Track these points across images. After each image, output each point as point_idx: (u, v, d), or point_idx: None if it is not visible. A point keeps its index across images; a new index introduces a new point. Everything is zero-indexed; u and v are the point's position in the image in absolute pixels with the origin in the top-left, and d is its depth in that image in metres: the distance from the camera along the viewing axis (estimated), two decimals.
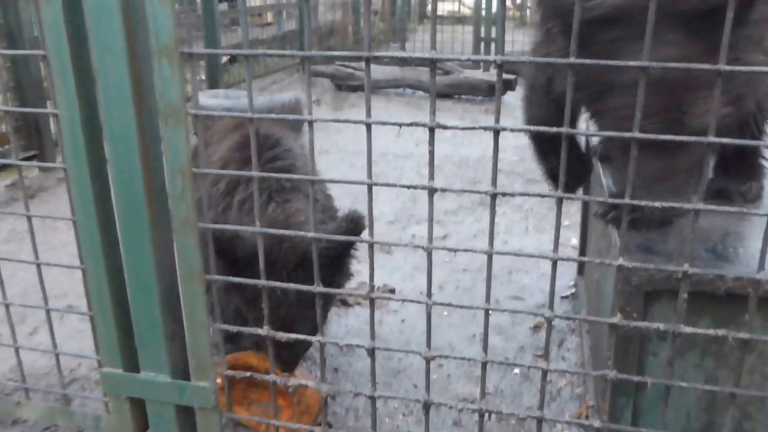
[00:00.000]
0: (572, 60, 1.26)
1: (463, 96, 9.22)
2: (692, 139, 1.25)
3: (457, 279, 3.73)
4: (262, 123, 2.60)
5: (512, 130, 1.34)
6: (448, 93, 9.13)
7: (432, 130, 1.38)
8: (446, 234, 4.43)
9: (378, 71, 9.36)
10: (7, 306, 2.22)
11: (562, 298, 3.44)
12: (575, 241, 3.93)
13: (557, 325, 3.16)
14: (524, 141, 7.04)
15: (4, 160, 2.09)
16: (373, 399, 1.77)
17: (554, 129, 1.33)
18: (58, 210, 4.63)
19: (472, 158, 6.26)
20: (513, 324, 3.22)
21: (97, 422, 2.20)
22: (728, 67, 1.20)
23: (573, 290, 3.47)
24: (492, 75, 9.18)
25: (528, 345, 3.05)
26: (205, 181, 2.44)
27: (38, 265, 2.12)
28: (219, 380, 2.00)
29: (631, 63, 1.24)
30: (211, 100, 6.63)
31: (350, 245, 2.28)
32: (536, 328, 3.17)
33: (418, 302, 1.59)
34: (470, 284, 3.67)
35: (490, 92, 8.94)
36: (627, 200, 1.34)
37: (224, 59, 9.56)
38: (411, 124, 1.39)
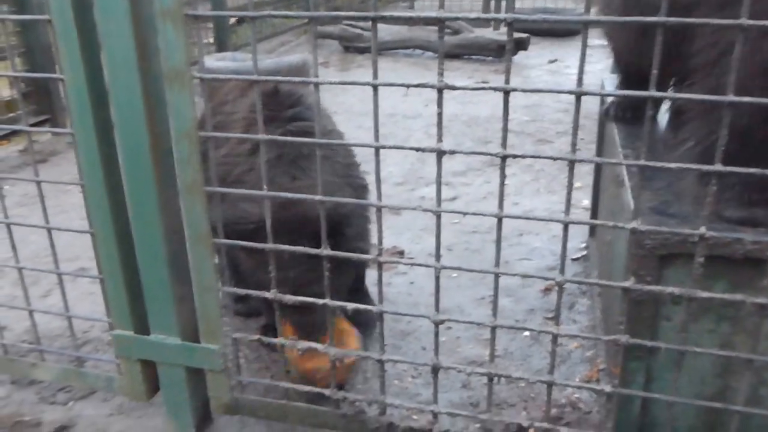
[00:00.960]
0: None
1: (472, 56, 9.11)
2: (711, 98, 1.21)
3: (466, 241, 3.71)
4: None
5: (523, 91, 1.31)
6: (457, 53, 9.01)
7: (440, 91, 1.35)
8: (455, 195, 4.40)
9: (386, 31, 9.24)
10: (19, 269, 2.23)
11: (573, 260, 3.42)
12: (587, 202, 3.90)
13: (568, 287, 3.14)
14: (536, 101, 6.96)
15: (14, 126, 2.07)
16: (381, 362, 1.77)
17: (568, 90, 1.30)
18: (69, 173, 4.63)
19: (482, 117, 6.20)
20: (523, 286, 3.20)
21: (109, 383, 2.22)
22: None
23: (584, 252, 3.45)
24: (502, 34, 9.05)
25: (538, 307, 3.04)
26: (230, 139, 2.39)
27: (48, 230, 2.12)
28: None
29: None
30: (218, 62, 6.57)
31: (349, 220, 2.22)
32: (546, 290, 3.16)
33: (427, 266, 1.58)
34: (479, 246, 3.66)
35: (500, 52, 8.82)
36: (642, 162, 1.31)
37: (232, 21, 9.46)
38: (418, 85, 1.36)
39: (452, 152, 1.39)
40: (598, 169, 3.31)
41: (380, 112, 1.47)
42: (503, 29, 9.50)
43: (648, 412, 1.83)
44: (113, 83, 1.75)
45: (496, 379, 1.69)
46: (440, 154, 1.41)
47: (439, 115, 1.36)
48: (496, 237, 1.49)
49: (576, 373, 2.57)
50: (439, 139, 1.39)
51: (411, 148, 1.44)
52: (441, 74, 1.32)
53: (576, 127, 1.31)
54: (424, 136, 5.67)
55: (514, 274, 1.59)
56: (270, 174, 2.12)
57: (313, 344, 1.85)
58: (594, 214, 3.37)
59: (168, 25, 1.61)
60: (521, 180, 4.68)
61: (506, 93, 1.30)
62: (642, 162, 1.31)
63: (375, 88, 1.42)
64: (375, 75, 1.40)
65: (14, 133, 5.42)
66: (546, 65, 8.80)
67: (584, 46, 1.27)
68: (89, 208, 1.96)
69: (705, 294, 1.40)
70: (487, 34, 9.13)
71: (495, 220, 1.47)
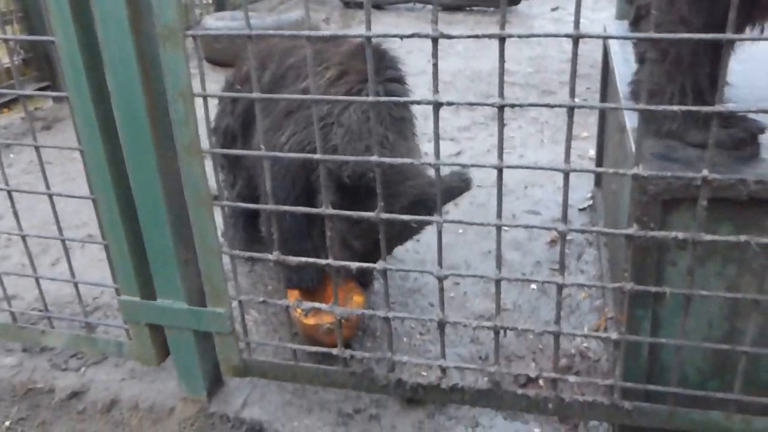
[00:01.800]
0: None
1: (475, 8, 8.97)
2: (709, 37, 1.18)
3: (472, 195, 3.68)
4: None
5: (519, 37, 1.27)
6: (459, 5, 8.88)
7: (435, 41, 1.32)
8: (460, 150, 4.37)
9: None
10: (23, 237, 2.23)
11: (580, 210, 3.40)
12: (593, 152, 3.86)
13: (575, 238, 3.13)
14: (540, 52, 6.83)
15: (9, 91, 2.03)
16: (387, 320, 1.77)
17: (565, 34, 1.26)
18: (73, 140, 4.60)
19: (485, 72, 6.13)
20: (530, 239, 3.19)
21: (119, 348, 2.24)
22: None
23: (590, 202, 3.43)
24: None
25: (545, 259, 3.03)
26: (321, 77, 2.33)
27: (50, 196, 2.12)
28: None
29: None
30: (218, 22, 6.51)
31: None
32: (553, 242, 3.15)
33: (429, 220, 1.56)
34: (485, 200, 3.63)
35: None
36: (641, 106, 1.29)
37: None
38: (412, 36, 1.33)
39: (449, 103, 1.37)
40: (603, 118, 3.26)
41: None
42: None
43: (656, 358, 1.82)
44: (106, 43, 1.72)
45: (503, 332, 1.68)
46: (437, 106, 1.39)
47: (435, 65, 1.33)
48: (497, 189, 1.48)
49: (585, 322, 2.57)
50: (435, 91, 1.36)
51: (406, 101, 1.42)
52: (435, 22, 1.29)
53: (574, 71, 1.28)
54: (428, 92, 5.55)
55: (516, 226, 1.58)
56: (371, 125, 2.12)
57: (317, 304, 1.85)
58: (599, 163, 3.33)
59: None
60: (526, 132, 4.64)
61: (502, 40, 1.27)
62: (641, 106, 1.28)
63: (368, 39, 1.39)
64: (368, 26, 1.37)
65: (15, 100, 5.39)
66: (549, 13, 8.67)
67: None
68: (89, 174, 1.94)
69: (709, 237, 1.38)
70: None
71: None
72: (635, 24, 1.98)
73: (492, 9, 8.86)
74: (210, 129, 1.85)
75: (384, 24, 8.13)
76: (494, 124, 4.79)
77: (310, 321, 2.36)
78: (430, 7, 9.22)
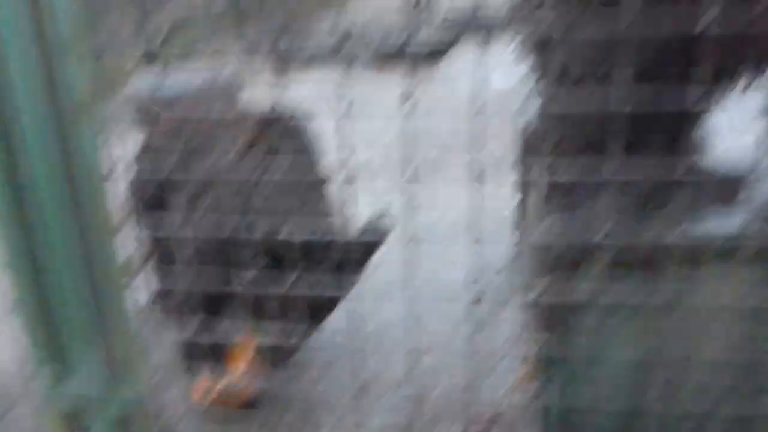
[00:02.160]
0: None
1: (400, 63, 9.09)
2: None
3: (399, 254, 3.69)
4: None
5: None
6: (386, 61, 9.00)
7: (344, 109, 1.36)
8: (385, 209, 4.38)
9: (313, 43, 9.19)
10: None
11: (503, 266, 3.46)
12: None
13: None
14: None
15: None
16: (307, 388, 1.78)
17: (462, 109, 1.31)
18: None
19: (412, 130, 6.17)
20: (451, 297, 3.21)
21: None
22: None
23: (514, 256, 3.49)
24: (436, 36, 9.04)
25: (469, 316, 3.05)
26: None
27: None
28: None
29: None
30: (146, 82, 6.47)
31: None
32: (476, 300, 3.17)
33: (345, 293, 1.59)
34: (411, 258, 3.64)
35: (429, 58, 8.85)
36: (539, 170, 1.34)
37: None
38: (321, 102, 1.37)
39: (354, 177, 1.40)
40: (524, 167, 3.32)
41: None
42: (433, 32, 9.47)
43: (568, 415, 1.86)
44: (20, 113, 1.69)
45: (424, 395, 1.71)
46: (349, 180, 1.42)
47: (340, 147, 1.36)
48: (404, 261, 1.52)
49: (507, 380, 2.59)
50: (343, 166, 1.40)
51: (321, 179, 1.45)
52: (344, 96, 1.33)
53: (476, 147, 1.33)
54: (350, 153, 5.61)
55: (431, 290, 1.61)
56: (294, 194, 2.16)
57: (238, 372, 1.85)
58: (523, 217, 3.39)
59: (69, 57, 1.58)
60: (451, 187, 4.68)
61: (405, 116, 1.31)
62: (538, 172, 1.34)
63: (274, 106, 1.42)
64: (277, 92, 1.40)
65: None
66: (469, 75, 8.82)
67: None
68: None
69: (606, 300, 1.44)
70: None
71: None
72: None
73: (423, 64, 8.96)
74: (127, 199, 1.84)
75: (314, 81, 8.18)
76: (420, 181, 4.84)
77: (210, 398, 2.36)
78: (361, 62, 9.31)
